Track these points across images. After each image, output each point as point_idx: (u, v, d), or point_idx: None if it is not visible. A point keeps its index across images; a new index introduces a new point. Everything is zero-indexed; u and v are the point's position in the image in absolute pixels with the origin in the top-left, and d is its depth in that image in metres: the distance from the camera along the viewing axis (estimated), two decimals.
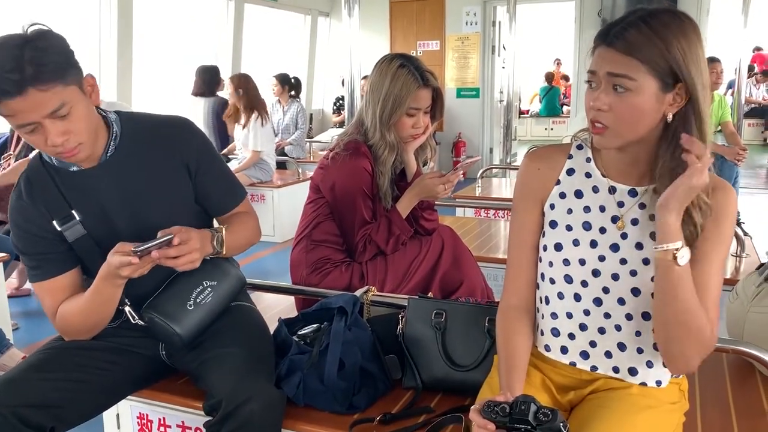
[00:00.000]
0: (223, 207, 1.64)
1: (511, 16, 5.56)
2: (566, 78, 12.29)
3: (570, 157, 1.29)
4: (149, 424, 1.70)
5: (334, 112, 8.43)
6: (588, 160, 1.27)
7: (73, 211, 1.47)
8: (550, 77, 12.45)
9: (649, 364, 1.22)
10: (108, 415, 1.74)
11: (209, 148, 1.62)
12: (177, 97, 5.63)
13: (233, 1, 6.82)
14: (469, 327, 1.55)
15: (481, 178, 4.32)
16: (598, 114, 1.14)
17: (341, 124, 7.74)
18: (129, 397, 1.64)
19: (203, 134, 1.65)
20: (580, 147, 1.29)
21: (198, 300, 1.51)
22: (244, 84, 5.11)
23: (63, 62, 1.31)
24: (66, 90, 1.31)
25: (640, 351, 1.22)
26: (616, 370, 1.24)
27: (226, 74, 6.71)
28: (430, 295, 1.95)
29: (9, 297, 2.98)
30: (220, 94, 5.65)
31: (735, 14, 6.01)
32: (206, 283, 1.53)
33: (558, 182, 1.28)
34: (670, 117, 1.12)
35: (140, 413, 1.70)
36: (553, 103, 12.30)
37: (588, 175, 1.26)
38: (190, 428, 1.65)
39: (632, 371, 1.23)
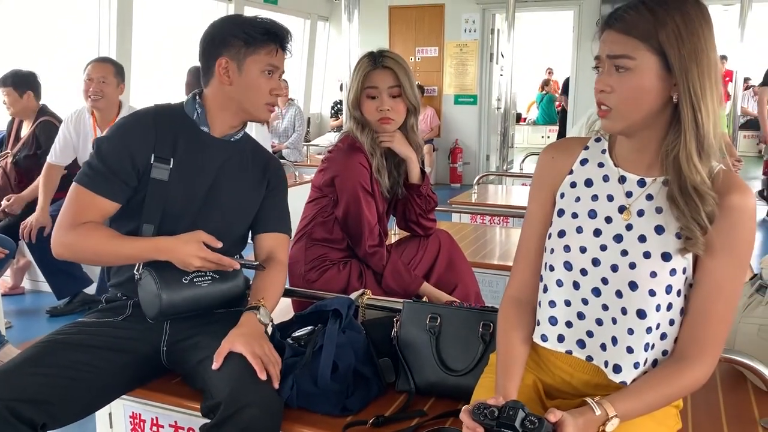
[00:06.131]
0: (267, 226, 1.74)
1: (509, 24, 5.59)
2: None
3: (586, 148, 1.28)
4: (142, 423, 1.70)
5: (331, 117, 8.44)
6: (603, 151, 1.25)
7: (172, 159, 1.57)
8: (546, 83, 12.39)
9: (636, 366, 1.17)
10: (100, 414, 1.74)
11: (285, 179, 1.82)
12: (175, 98, 5.61)
13: (233, 3, 6.84)
14: (463, 332, 1.55)
15: (477, 185, 4.34)
16: (602, 96, 1.14)
17: (338, 129, 7.75)
18: (122, 396, 1.64)
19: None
20: (598, 140, 1.28)
21: (194, 280, 1.54)
22: None
23: None
24: None
25: (630, 350, 1.17)
26: (606, 364, 1.20)
27: None
28: (425, 299, 1.96)
29: (3, 295, 2.99)
30: None
31: (732, 28, 6.05)
32: (209, 272, 1.56)
33: (571, 172, 1.27)
34: (675, 98, 1.10)
35: (133, 412, 1.70)
36: (549, 110, 12.24)
37: (601, 165, 1.25)
38: (183, 428, 1.64)
39: (617, 369, 1.18)
